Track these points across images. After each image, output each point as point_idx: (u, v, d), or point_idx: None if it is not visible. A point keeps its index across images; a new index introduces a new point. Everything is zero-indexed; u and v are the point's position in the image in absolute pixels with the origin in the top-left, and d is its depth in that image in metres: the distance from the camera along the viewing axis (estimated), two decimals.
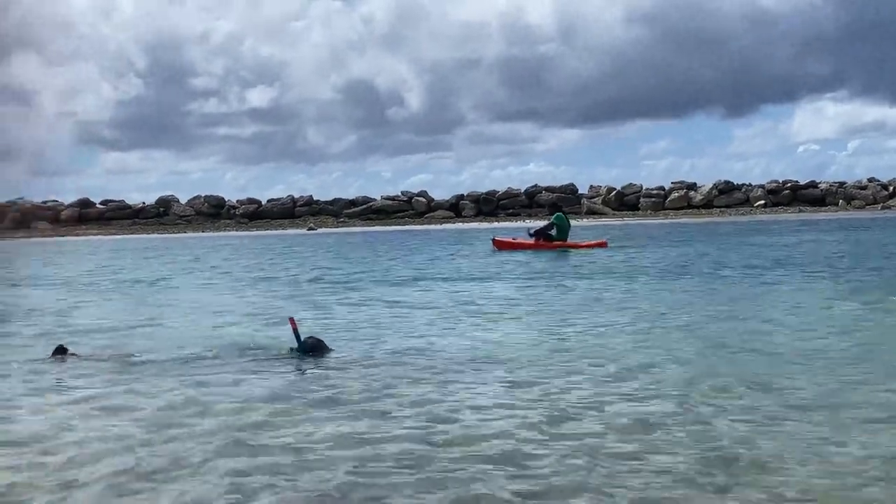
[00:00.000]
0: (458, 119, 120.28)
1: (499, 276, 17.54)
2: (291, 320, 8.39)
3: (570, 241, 25.69)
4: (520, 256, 23.20)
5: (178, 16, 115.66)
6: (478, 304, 12.55)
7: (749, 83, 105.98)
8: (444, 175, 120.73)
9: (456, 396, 6.41)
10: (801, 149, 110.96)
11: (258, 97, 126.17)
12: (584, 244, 25.82)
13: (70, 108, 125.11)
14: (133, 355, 8.48)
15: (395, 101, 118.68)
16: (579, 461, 4.79)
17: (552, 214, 26.55)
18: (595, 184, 77.62)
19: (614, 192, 74.50)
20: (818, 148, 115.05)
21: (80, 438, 5.51)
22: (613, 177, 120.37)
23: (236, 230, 70.73)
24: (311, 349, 8.16)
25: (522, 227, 31.34)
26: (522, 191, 77.31)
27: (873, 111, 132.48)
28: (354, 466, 4.81)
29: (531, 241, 25.76)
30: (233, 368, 7.70)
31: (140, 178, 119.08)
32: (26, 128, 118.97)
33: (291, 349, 8.26)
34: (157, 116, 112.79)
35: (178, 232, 69.74)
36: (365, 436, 5.42)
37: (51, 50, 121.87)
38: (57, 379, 7.51)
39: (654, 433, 5.30)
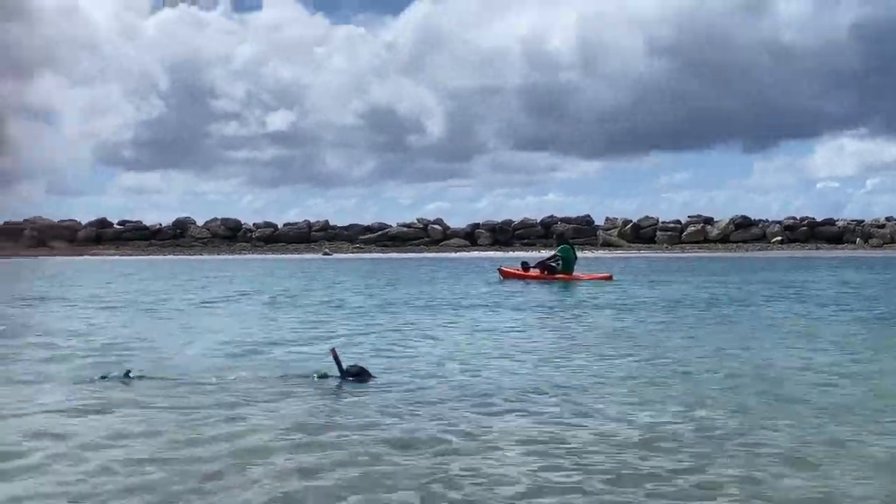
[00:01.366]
0: (477, 147, 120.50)
1: (502, 305, 17.52)
2: (333, 351, 8.28)
3: (575, 273, 25.56)
4: (525, 287, 23.19)
5: (201, 38, 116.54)
6: (486, 334, 12.52)
7: (770, 118, 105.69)
8: (461, 203, 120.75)
9: (471, 426, 6.32)
10: (819, 185, 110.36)
11: (278, 121, 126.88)
12: (588, 277, 25.68)
13: (92, 128, 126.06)
14: (178, 377, 8.37)
15: (415, 127, 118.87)
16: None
17: (558, 246, 26.44)
18: (612, 216, 77.59)
19: (630, 225, 74.37)
20: (837, 185, 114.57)
21: (108, 458, 5.44)
22: (631, 209, 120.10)
23: (252, 253, 70.96)
24: (354, 377, 8.11)
25: (538, 257, 31.27)
26: (538, 221, 77.31)
27: (893, 149, 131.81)
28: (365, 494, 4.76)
29: (535, 272, 25.70)
30: (264, 393, 7.55)
31: (159, 198, 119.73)
32: (47, 147, 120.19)
33: (320, 375, 8.22)
34: (178, 137, 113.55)
35: (195, 254, 70.06)
36: (383, 465, 5.34)
37: (75, 70, 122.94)
38: (101, 398, 7.37)
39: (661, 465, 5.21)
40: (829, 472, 5.20)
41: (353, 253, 70.31)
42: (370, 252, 70.82)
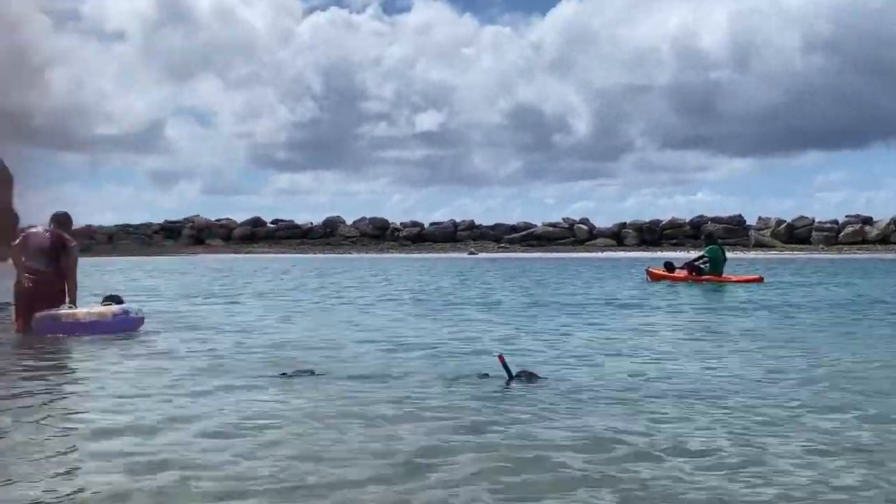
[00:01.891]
0: (625, 146, 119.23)
1: (654, 306, 17.28)
2: (500, 358, 8.19)
3: (724, 274, 24.89)
4: (674, 288, 22.77)
5: (352, 41, 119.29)
6: (641, 334, 12.33)
7: None
8: (607, 202, 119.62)
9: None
10: None
11: (427, 121, 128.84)
12: (737, 279, 24.97)
13: (247, 129, 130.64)
14: (352, 375, 8.45)
15: (561, 126, 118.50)
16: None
17: (706, 246, 25.79)
18: (765, 215, 75.37)
19: (784, 225, 72.06)
20: None
21: (296, 456, 5.47)
22: (785, 208, 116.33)
23: (399, 252, 72.04)
24: (523, 381, 7.95)
25: (685, 257, 30.72)
26: (687, 221, 75.79)
27: None
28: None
29: (682, 273, 25.16)
30: (438, 393, 7.54)
31: (310, 198, 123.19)
32: (205, 148, 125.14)
33: (481, 375, 8.23)
34: (330, 139, 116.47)
35: (343, 252, 71.57)
36: (567, 467, 5.25)
37: (231, 73, 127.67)
38: (286, 396, 7.44)
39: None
40: None
41: (498, 252, 70.48)
42: (515, 251, 70.85)
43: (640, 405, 7.00)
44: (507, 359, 8.20)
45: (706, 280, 24.35)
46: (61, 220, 12.73)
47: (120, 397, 7.47)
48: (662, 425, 6.28)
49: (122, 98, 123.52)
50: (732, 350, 10.56)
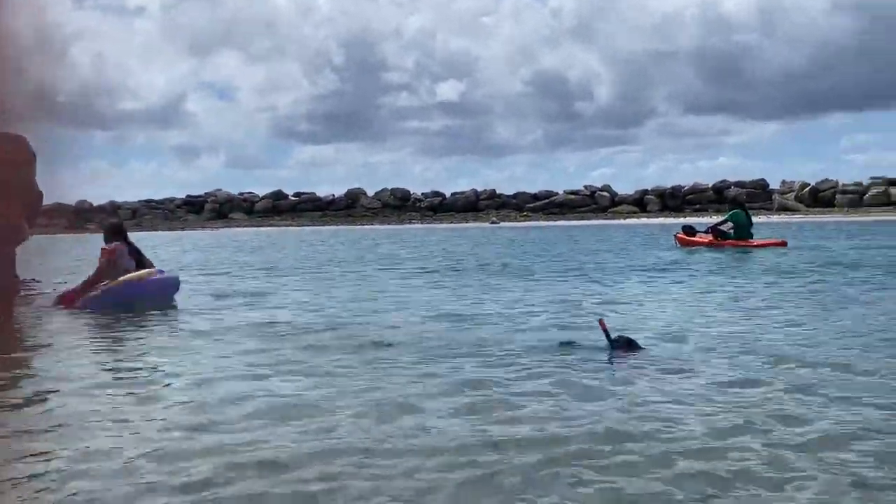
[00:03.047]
0: (648, 112, 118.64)
1: (694, 271, 17.25)
2: (601, 322, 8.05)
3: (748, 239, 24.77)
4: (702, 253, 22.77)
5: (372, 12, 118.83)
6: (696, 299, 12.25)
7: None
8: (630, 168, 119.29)
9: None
10: None
11: (448, 91, 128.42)
12: (760, 243, 24.84)
13: (269, 102, 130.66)
14: (423, 346, 8.37)
15: (584, 94, 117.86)
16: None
17: (730, 211, 25.66)
18: (789, 179, 74.80)
19: (808, 189, 71.49)
20: None
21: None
22: (811, 172, 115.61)
23: (421, 223, 72.02)
24: (622, 347, 7.81)
25: (706, 222, 30.58)
26: (710, 186, 75.37)
27: None
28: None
29: (705, 237, 25.09)
30: (536, 365, 7.29)
31: (332, 170, 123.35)
32: (226, 122, 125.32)
33: (564, 343, 8.11)
34: (351, 110, 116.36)
35: (365, 224, 71.60)
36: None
37: (252, 47, 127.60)
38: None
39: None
40: None
41: (520, 221, 70.32)
42: (537, 220, 70.66)
43: (756, 373, 6.77)
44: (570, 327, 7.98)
45: (732, 244, 24.24)
46: (122, 230, 12.85)
47: (200, 374, 7.21)
48: (768, 395, 6.04)
49: (144, 73, 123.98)
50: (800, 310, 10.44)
